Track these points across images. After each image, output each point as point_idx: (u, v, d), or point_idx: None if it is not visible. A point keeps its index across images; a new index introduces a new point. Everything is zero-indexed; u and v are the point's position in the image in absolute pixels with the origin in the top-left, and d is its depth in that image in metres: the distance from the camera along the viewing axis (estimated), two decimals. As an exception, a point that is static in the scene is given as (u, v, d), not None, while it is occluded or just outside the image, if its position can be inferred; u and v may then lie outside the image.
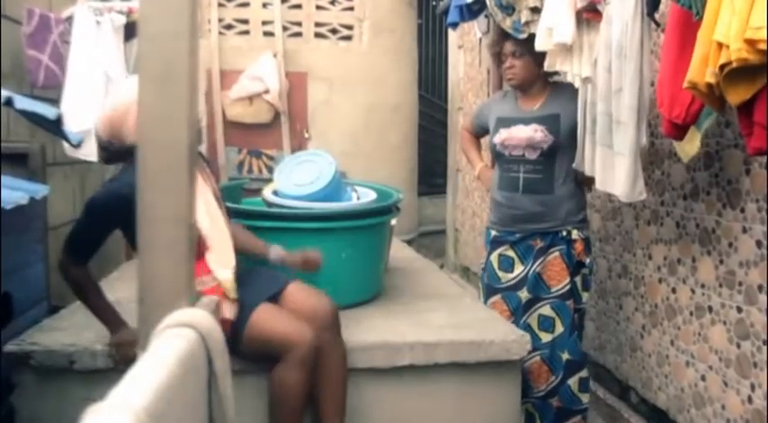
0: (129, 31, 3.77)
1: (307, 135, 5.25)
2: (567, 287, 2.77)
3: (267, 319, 2.22)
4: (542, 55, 2.63)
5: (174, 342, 0.86)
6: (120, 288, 2.78)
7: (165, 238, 0.96)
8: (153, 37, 0.96)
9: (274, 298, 2.39)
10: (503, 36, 2.83)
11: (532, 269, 2.81)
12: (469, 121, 3.27)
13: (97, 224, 2.26)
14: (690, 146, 2.38)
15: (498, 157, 2.90)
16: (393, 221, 3.32)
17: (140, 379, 0.73)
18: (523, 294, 2.83)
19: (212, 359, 0.93)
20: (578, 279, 2.80)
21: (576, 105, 2.65)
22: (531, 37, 2.66)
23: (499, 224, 2.91)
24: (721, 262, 2.52)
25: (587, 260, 2.82)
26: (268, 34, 5.18)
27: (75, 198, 4.26)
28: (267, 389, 2.24)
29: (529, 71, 2.78)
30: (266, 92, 5.00)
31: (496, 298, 2.90)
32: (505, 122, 2.86)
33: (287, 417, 2.22)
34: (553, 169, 2.79)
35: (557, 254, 2.78)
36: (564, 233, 2.79)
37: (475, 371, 2.50)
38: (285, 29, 5.19)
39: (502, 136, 2.83)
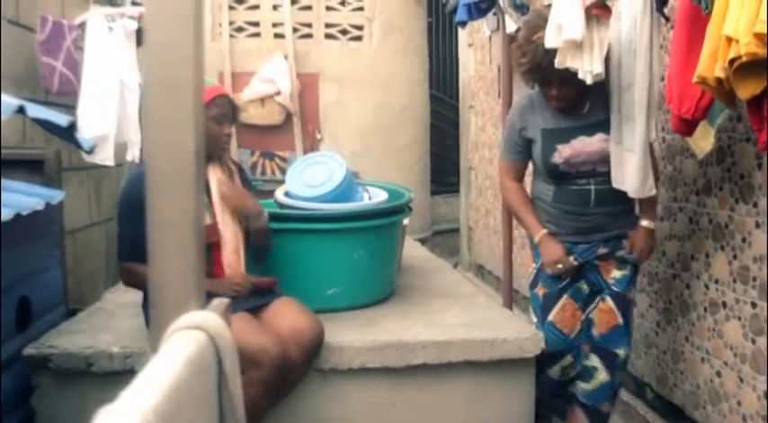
0: (142, 36, 3.81)
1: (319, 136, 5.27)
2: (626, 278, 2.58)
3: (234, 330, 2.18)
4: None
5: (184, 344, 0.87)
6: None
7: (173, 243, 0.98)
8: (158, 44, 0.98)
9: (258, 310, 2.39)
10: (549, 63, 2.32)
11: (593, 262, 2.56)
12: (507, 161, 2.66)
13: (126, 223, 2.30)
14: (704, 142, 2.37)
15: (560, 176, 2.51)
16: (405, 221, 3.33)
17: (150, 380, 0.75)
18: (584, 286, 2.58)
19: (222, 360, 0.94)
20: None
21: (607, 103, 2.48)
22: None
23: (561, 235, 2.55)
24: (735, 257, 2.51)
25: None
26: (279, 36, 5.21)
27: (90, 203, 4.31)
28: None
29: (579, 91, 2.41)
30: (278, 93, 5.04)
31: (564, 300, 2.57)
32: (560, 136, 2.48)
33: None
34: None
35: (614, 257, 2.58)
36: (624, 236, 2.58)
37: (488, 369, 2.50)
38: (295, 30, 5.22)
39: (564, 153, 2.46)
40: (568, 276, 2.54)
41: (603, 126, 2.44)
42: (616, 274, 2.57)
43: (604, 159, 2.44)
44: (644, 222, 2.56)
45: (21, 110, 1.43)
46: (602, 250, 2.54)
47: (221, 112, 2.38)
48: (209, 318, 0.95)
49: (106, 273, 4.34)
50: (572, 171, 2.47)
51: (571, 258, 2.51)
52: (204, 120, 2.21)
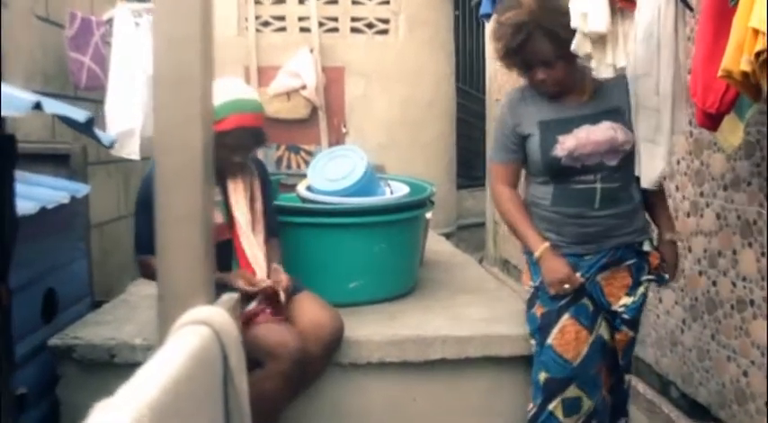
0: (168, 31, 3.84)
1: (344, 129, 5.28)
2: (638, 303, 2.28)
3: (255, 323, 2.19)
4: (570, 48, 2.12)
5: (188, 339, 0.88)
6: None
7: (181, 238, 0.99)
8: (166, 41, 0.98)
9: None
10: (522, 44, 2.12)
11: (594, 278, 2.24)
12: (500, 163, 2.33)
13: (143, 214, 2.31)
14: (733, 136, 2.31)
15: (562, 172, 2.20)
16: (428, 215, 3.32)
17: (149, 375, 0.76)
18: (588, 302, 2.24)
19: (227, 355, 0.95)
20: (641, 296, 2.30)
21: (626, 92, 2.27)
22: (558, 33, 2.10)
23: (563, 246, 2.24)
24: (763, 254, 2.45)
25: (666, 276, 2.34)
26: (304, 30, 5.22)
27: (118, 196, 4.37)
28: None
29: (567, 73, 2.18)
30: (303, 87, 5.05)
31: (565, 320, 2.22)
32: (561, 126, 2.20)
33: (258, 422, 2.11)
34: (629, 173, 2.25)
35: (625, 269, 2.26)
36: (636, 244, 2.27)
37: (508, 365, 2.49)
38: (321, 24, 5.23)
39: (567, 144, 2.16)
40: (570, 294, 2.21)
41: (609, 114, 2.21)
42: (626, 301, 2.25)
43: (614, 150, 2.18)
44: (669, 235, 2.35)
45: (38, 106, 1.46)
46: (604, 260, 2.23)
47: (235, 144, 2.29)
48: (215, 313, 0.95)
49: (134, 266, 4.40)
50: (576, 165, 2.17)
51: (578, 275, 2.20)
52: (215, 143, 2.20)
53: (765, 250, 2.44)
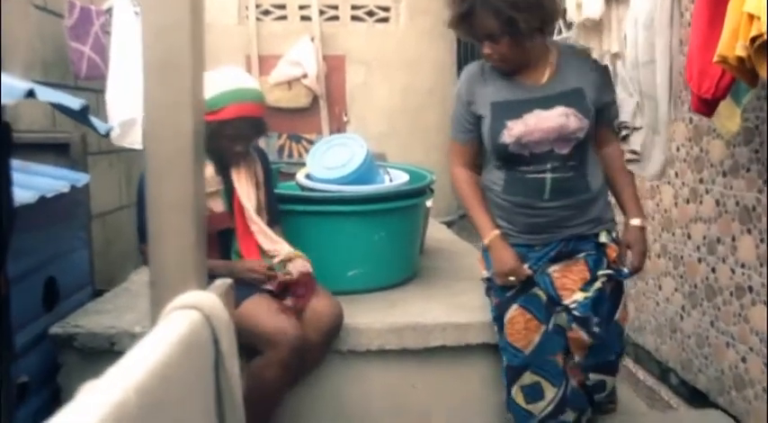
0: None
1: (345, 118, 5.28)
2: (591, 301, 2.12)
3: (252, 312, 2.18)
4: (515, 25, 1.95)
5: (177, 323, 0.89)
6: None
7: (172, 225, 1.00)
8: (155, 28, 0.99)
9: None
10: (465, 16, 2.00)
11: (545, 270, 2.15)
12: (456, 142, 2.25)
13: (144, 203, 2.32)
14: (731, 122, 2.31)
15: (511, 159, 2.10)
16: (429, 203, 3.32)
17: (136, 358, 0.77)
18: (540, 292, 2.16)
19: (218, 339, 0.96)
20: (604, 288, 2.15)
21: (595, 74, 2.14)
22: (503, 10, 1.94)
23: (513, 235, 2.16)
24: (762, 240, 2.45)
25: (626, 270, 2.18)
26: (305, 18, 5.22)
27: (120, 186, 4.39)
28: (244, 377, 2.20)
29: (514, 50, 2.03)
30: (304, 76, 5.05)
31: (514, 310, 2.17)
32: (512, 109, 2.07)
33: (258, 409, 2.12)
34: (586, 161, 2.13)
35: (581, 261, 2.14)
36: (592, 236, 2.15)
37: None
38: (322, 13, 5.22)
39: (515, 131, 2.04)
40: (517, 285, 2.16)
41: (565, 98, 2.06)
42: (578, 296, 2.12)
43: (565, 138, 2.04)
44: (636, 221, 2.18)
45: (31, 93, 1.46)
46: (553, 253, 2.14)
47: (236, 133, 2.31)
48: (205, 297, 0.96)
49: (136, 255, 4.42)
50: (524, 153, 2.06)
51: (525, 266, 2.13)
52: (216, 133, 2.20)
53: (764, 236, 2.44)
